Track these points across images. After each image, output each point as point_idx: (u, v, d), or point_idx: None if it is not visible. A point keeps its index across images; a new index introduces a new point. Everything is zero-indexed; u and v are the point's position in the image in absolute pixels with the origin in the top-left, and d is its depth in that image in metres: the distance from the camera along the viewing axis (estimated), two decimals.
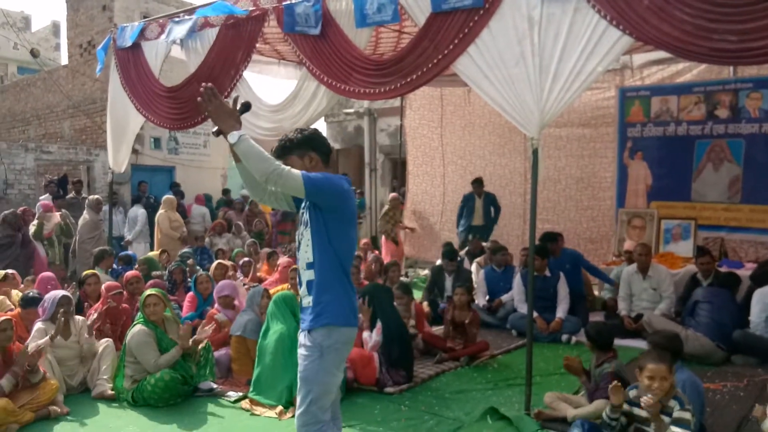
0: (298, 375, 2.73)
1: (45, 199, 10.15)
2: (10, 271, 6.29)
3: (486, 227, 9.04)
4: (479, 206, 8.99)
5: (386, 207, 10.33)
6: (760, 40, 3.50)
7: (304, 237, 2.74)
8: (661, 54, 7.24)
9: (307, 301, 2.72)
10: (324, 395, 2.69)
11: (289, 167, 2.57)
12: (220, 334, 5.24)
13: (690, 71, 7.88)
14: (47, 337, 4.59)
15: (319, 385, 2.67)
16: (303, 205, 2.79)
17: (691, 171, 7.85)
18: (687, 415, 3.14)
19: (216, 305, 5.54)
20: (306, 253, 2.72)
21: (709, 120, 7.70)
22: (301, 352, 2.72)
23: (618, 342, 4.43)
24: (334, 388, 2.76)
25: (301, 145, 2.79)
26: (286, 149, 2.79)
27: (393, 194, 10.85)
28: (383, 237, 10.01)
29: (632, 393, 3.36)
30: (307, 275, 2.72)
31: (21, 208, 8.30)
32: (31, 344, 4.48)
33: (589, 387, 4.06)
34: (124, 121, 6.88)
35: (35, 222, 8.01)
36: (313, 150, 2.80)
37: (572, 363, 4.17)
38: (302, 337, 2.72)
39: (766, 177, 7.27)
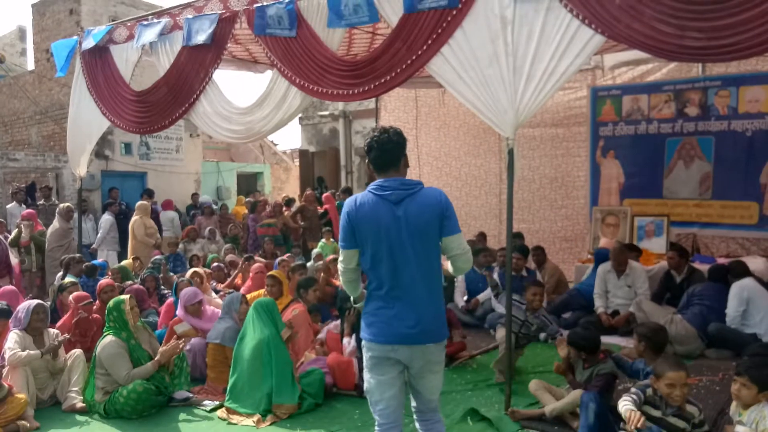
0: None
1: (13, 207, 9.92)
2: None
3: None
4: None
5: None
6: (727, 38, 3.56)
7: None
8: (632, 54, 7.33)
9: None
10: (370, 394, 2.93)
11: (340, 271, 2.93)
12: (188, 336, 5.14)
13: (660, 70, 8.00)
14: (38, 351, 4.47)
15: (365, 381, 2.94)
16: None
17: (662, 168, 7.96)
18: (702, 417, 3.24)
19: (179, 312, 5.40)
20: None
21: (679, 118, 7.81)
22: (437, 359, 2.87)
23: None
24: (379, 390, 2.90)
25: (405, 147, 2.91)
26: (401, 150, 2.88)
27: None
28: None
29: (649, 391, 3.31)
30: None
31: None
32: (15, 354, 4.36)
33: (575, 385, 4.06)
34: (88, 126, 6.74)
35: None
36: (367, 156, 2.93)
37: (559, 368, 4.20)
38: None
39: (736, 173, 7.40)
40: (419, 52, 4.44)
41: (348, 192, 9.80)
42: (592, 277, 6.59)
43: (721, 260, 6.67)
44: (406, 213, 2.72)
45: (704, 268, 6.38)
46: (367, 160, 2.90)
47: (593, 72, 8.44)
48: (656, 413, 3.23)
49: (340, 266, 2.85)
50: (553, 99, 8.07)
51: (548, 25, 3.96)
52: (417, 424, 2.98)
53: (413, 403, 2.96)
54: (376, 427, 2.88)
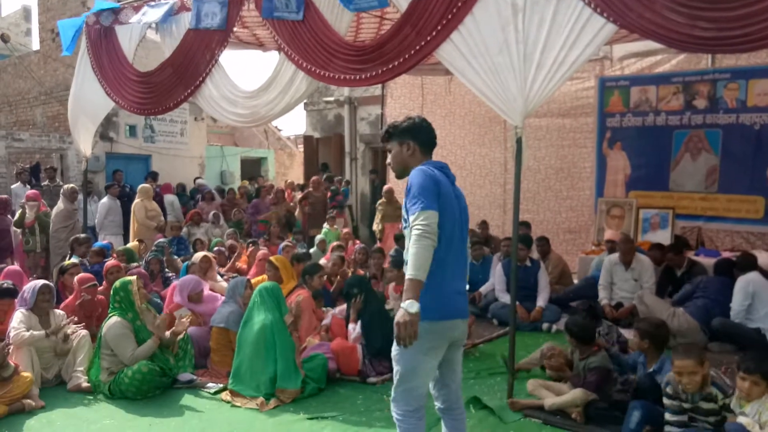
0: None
1: (17, 187, 9.94)
2: None
3: None
4: None
5: (382, 199, 10.09)
6: (738, 29, 3.53)
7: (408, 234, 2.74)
8: (641, 45, 7.27)
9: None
10: (412, 379, 2.73)
11: (415, 226, 2.54)
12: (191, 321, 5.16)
13: (669, 62, 7.94)
14: (42, 332, 4.50)
15: (406, 368, 2.72)
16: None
17: (669, 161, 7.92)
18: (728, 400, 3.26)
19: (177, 298, 5.41)
20: None
21: (687, 110, 7.77)
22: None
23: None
24: (427, 372, 2.77)
25: (402, 133, 2.89)
26: (390, 135, 2.93)
27: (387, 186, 10.64)
28: (385, 230, 9.75)
29: (668, 389, 3.36)
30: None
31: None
32: (19, 334, 4.39)
33: (574, 381, 4.07)
34: (92, 106, 6.73)
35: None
36: (413, 138, 2.87)
37: (554, 364, 4.21)
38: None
39: (743, 167, 7.36)
40: (428, 38, 4.41)
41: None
42: None
43: (726, 254, 6.66)
44: (458, 195, 2.85)
45: (708, 261, 6.39)
46: (411, 143, 2.87)
47: (602, 62, 8.38)
48: (687, 405, 3.29)
49: (427, 228, 2.51)
50: (561, 89, 7.96)
51: (560, 13, 3.92)
52: (445, 423, 2.94)
53: (440, 401, 2.92)
54: (410, 413, 2.72)
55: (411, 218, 2.57)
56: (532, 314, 6.27)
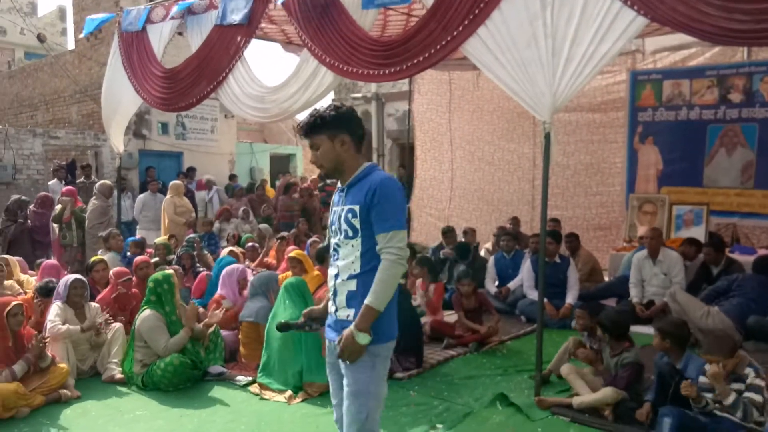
0: (346, 389, 2.49)
1: (54, 184, 10.21)
2: (7, 257, 6.36)
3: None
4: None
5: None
6: None
7: (350, 246, 2.46)
8: (674, 38, 7.12)
9: (346, 314, 2.46)
10: (378, 409, 2.50)
11: (391, 251, 2.34)
12: (223, 317, 5.24)
13: (703, 54, 7.76)
14: (78, 327, 4.64)
15: (374, 398, 2.47)
16: (340, 211, 2.51)
17: (703, 156, 7.75)
18: (759, 381, 3.35)
19: (220, 290, 5.50)
20: (353, 263, 2.45)
21: (722, 104, 7.58)
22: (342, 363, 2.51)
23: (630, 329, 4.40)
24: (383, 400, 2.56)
25: (334, 125, 2.47)
26: (316, 127, 2.48)
27: None
28: None
29: (701, 379, 3.47)
30: (349, 286, 2.46)
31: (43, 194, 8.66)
32: (55, 326, 4.53)
33: (605, 376, 4.02)
34: (122, 102, 6.89)
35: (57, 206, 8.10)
36: (347, 132, 2.48)
37: (587, 355, 4.16)
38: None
39: None
40: (454, 33, 4.38)
41: None
42: None
43: (762, 251, 6.49)
44: None
45: (744, 259, 6.23)
46: (346, 137, 2.49)
47: (633, 55, 8.22)
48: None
49: (402, 254, 2.37)
50: (591, 83, 7.85)
51: (589, 6, 3.86)
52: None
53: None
54: None
55: (383, 237, 2.36)
56: (560, 311, 6.21)
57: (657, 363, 3.83)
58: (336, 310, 2.53)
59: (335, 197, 2.59)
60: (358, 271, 2.45)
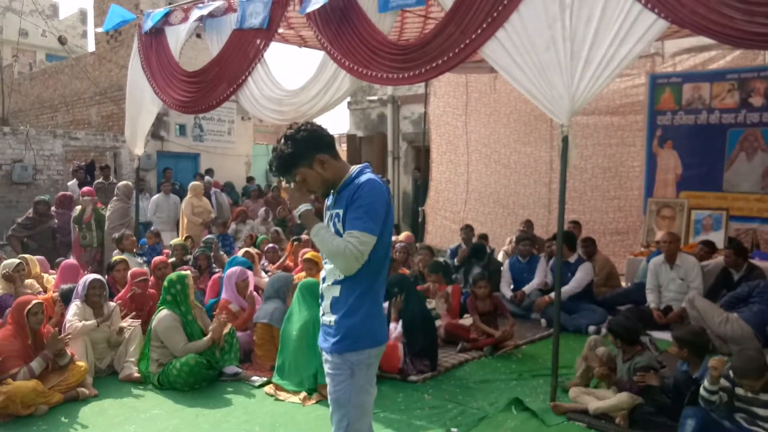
0: (329, 397, 2.48)
1: (73, 185, 10.35)
2: (27, 256, 6.43)
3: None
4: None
5: None
6: None
7: None
8: (694, 40, 7.04)
9: (329, 320, 2.44)
10: (361, 418, 2.43)
11: (352, 242, 2.27)
12: (236, 321, 5.26)
13: (723, 58, 7.67)
14: (94, 321, 4.69)
15: (354, 407, 2.41)
16: (330, 215, 2.48)
17: (723, 160, 7.65)
18: None
19: (225, 294, 5.51)
20: (336, 269, 2.41)
21: (742, 108, 7.49)
22: (327, 370, 2.47)
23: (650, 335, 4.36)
24: (370, 408, 2.50)
25: (303, 154, 2.40)
26: (289, 165, 2.42)
27: None
28: None
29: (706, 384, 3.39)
30: (333, 291, 2.43)
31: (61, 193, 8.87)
32: (72, 324, 4.58)
33: (620, 384, 3.97)
34: (140, 105, 6.96)
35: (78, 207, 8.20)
36: (318, 150, 2.40)
37: (599, 374, 4.12)
38: (326, 354, 2.47)
39: None
40: (473, 36, 4.36)
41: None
42: None
43: None
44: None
45: (765, 265, 6.13)
46: (322, 156, 2.42)
47: (652, 59, 8.15)
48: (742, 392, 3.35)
49: (359, 254, 2.29)
50: (609, 86, 7.82)
51: (609, 8, 3.84)
52: None
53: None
54: None
55: (348, 234, 2.30)
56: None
57: (676, 371, 3.79)
58: (323, 315, 2.51)
59: (329, 200, 2.56)
60: (341, 277, 2.40)
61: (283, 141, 2.42)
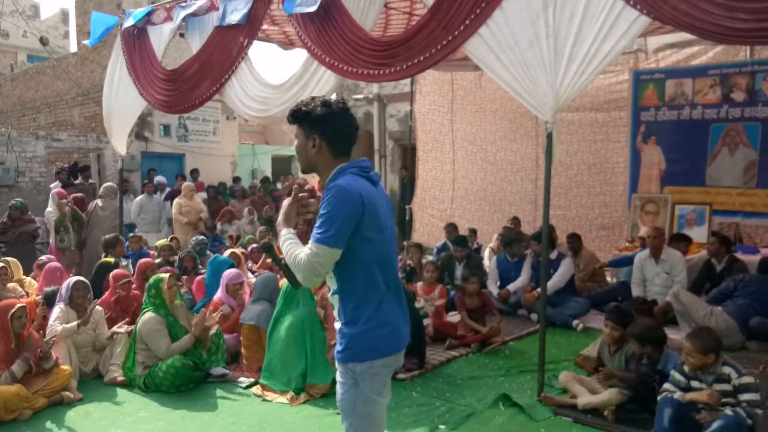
0: (337, 403, 2.41)
1: (55, 186, 10.21)
2: (9, 259, 6.33)
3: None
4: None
5: None
6: None
7: None
8: (677, 36, 7.10)
9: (338, 327, 2.37)
10: (368, 428, 2.35)
11: (307, 254, 2.19)
12: (226, 323, 5.23)
13: (705, 53, 7.74)
14: (74, 324, 4.63)
15: (359, 417, 2.33)
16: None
17: (705, 155, 7.73)
18: (748, 379, 3.35)
19: (219, 294, 5.50)
20: (332, 278, 2.34)
21: (724, 103, 7.57)
22: (336, 376, 2.42)
23: None
24: (381, 417, 2.41)
25: (311, 123, 2.32)
26: (297, 118, 2.36)
27: None
28: None
29: (684, 367, 3.53)
30: (335, 300, 2.38)
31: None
32: (53, 328, 4.52)
33: (624, 377, 3.97)
34: (126, 105, 6.88)
35: (50, 209, 8.06)
36: (319, 133, 2.31)
37: (586, 365, 4.16)
38: (336, 361, 2.41)
39: None
40: (456, 33, 4.36)
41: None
42: None
43: (766, 251, 6.47)
44: (383, 196, 2.42)
45: (747, 258, 6.21)
46: (318, 140, 2.32)
47: (636, 55, 8.21)
48: (697, 385, 3.43)
49: (312, 267, 2.20)
50: (593, 83, 7.88)
51: (591, 5, 3.85)
52: None
53: None
54: None
55: (308, 245, 2.22)
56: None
57: (640, 366, 3.92)
58: (336, 321, 2.44)
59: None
60: (336, 287, 2.35)
61: (313, 100, 2.36)
